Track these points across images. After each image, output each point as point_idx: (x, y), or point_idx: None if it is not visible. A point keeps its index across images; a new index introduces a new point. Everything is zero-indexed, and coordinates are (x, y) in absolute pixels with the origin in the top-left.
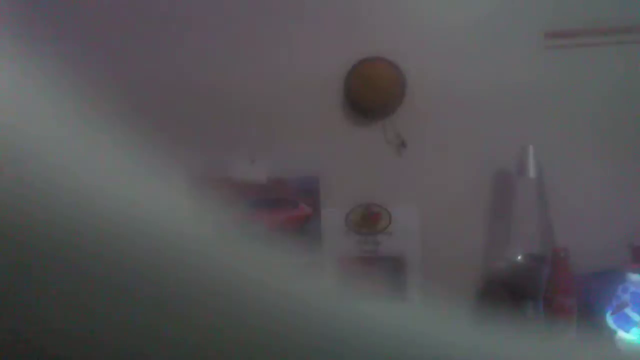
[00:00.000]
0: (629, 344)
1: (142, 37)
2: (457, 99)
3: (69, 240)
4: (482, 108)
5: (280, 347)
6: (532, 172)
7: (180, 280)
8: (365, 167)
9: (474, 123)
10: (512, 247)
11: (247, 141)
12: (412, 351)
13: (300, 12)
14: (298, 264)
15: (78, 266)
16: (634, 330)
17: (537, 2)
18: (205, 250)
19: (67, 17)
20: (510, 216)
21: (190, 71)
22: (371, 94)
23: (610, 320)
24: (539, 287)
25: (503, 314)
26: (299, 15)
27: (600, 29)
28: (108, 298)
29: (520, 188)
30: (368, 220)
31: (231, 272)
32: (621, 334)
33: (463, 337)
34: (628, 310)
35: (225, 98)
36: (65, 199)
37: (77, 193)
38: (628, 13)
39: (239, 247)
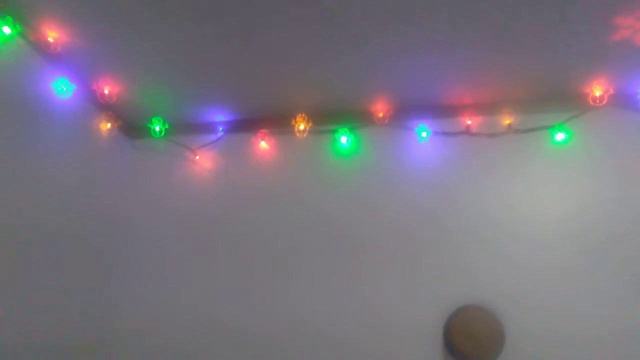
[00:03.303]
0: None
1: None
2: (558, 350)
3: None
4: None
5: None
6: None
7: None
8: None
9: None
10: None
11: None
12: None
13: (405, 255)
14: None
15: None
16: None
17: None
18: None
19: None
20: None
21: (287, 318)
22: (470, 343)
23: None
24: None
25: None
26: (404, 259)
27: None
28: None
29: None
30: None
31: None
32: None
33: None
34: None
35: (326, 345)
36: None
37: None
38: None
39: None
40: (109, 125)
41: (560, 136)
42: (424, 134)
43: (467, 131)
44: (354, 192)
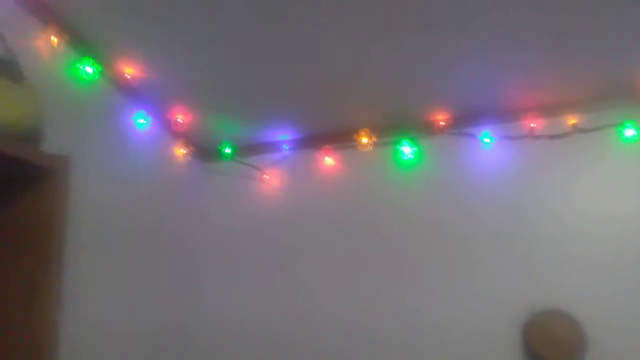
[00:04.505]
0: None
1: None
2: None
3: None
4: None
5: None
6: None
7: None
8: None
9: None
10: None
11: None
12: None
13: (475, 264)
14: None
15: None
16: None
17: None
18: None
19: None
20: None
21: (365, 321)
22: (551, 348)
23: None
24: None
25: None
26: (474, 267)
27: None
28: None
29: None
30: None
31: None
32: None
33: None
34: None
35: (402, 347)
36: None
37: None
38: None
39: None
40: (183, 151)
41: (629, 132)
42: (487, 140)
43: (531, 134)
44: (420, 202)
